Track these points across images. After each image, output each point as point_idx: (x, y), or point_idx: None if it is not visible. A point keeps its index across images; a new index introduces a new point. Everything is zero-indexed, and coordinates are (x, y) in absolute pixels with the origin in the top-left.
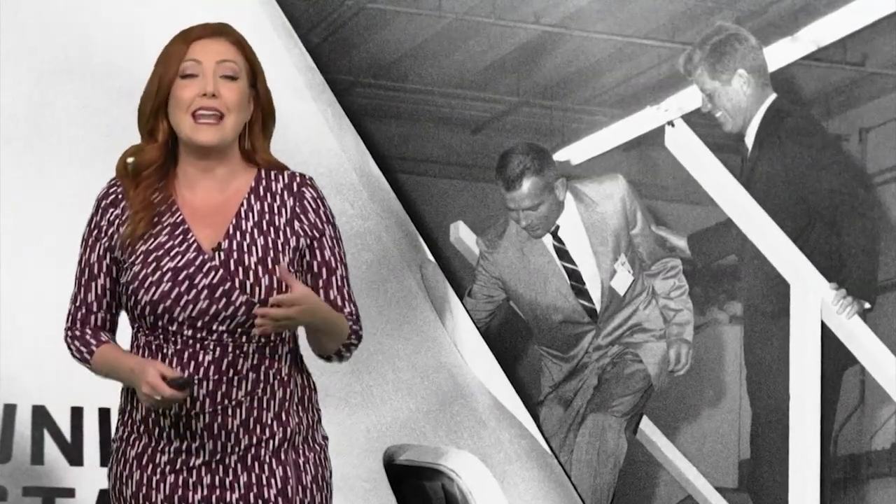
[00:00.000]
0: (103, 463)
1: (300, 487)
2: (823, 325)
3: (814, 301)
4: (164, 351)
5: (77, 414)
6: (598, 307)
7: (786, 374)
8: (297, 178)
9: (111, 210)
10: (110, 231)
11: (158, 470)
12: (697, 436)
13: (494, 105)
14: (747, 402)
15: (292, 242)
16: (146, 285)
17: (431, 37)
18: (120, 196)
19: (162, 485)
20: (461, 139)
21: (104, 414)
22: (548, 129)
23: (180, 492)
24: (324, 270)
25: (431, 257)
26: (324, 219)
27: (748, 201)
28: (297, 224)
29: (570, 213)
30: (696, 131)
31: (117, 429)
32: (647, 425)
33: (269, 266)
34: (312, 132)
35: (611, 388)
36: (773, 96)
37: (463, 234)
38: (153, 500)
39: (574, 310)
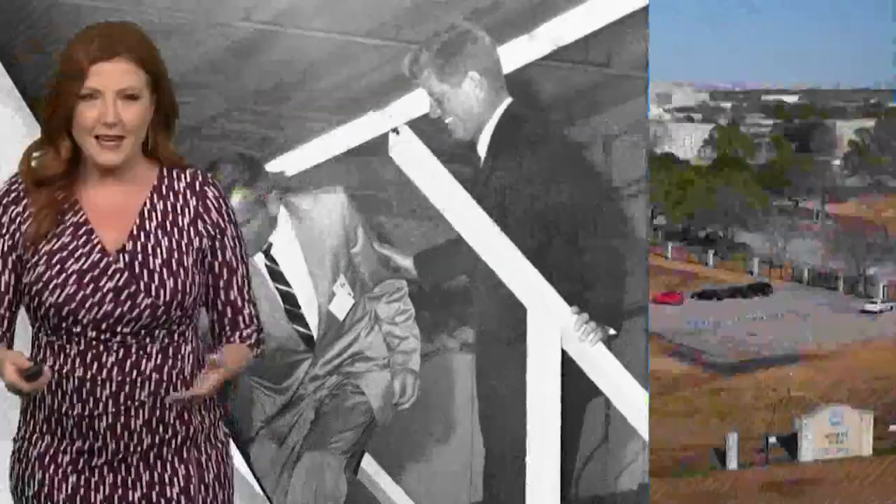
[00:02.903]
0: None
1: (203, 486)
2: (564, 354)
3: (553, 327)
4: (67, 351)
5: None
6: (315, 334)
7: (523, 407)
8: (200, 177)
9: (12, 207)
10: (12, 228)
11: (60, 470)
12: (425, 475)
13: (200, 110)
14: (480, 438)
15: (196, 243)
16: (50, 287)
17: None
18: (22, 193)
19: (64, 484)
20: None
21: None
22: (260, 136)
23: (83, 492)
24: (224, 270)
25: None
26: (226, 218)
27: (480, 216)
28: (199, 224)
29: (283, 229)
30: (423, 139)
31: (19, 428)
32: (369, 464)
33: (174, 268)
34: None
35: (329, 422)
36: (509, 101)
37: None
38: (55, 499)
39: (289, 336)
